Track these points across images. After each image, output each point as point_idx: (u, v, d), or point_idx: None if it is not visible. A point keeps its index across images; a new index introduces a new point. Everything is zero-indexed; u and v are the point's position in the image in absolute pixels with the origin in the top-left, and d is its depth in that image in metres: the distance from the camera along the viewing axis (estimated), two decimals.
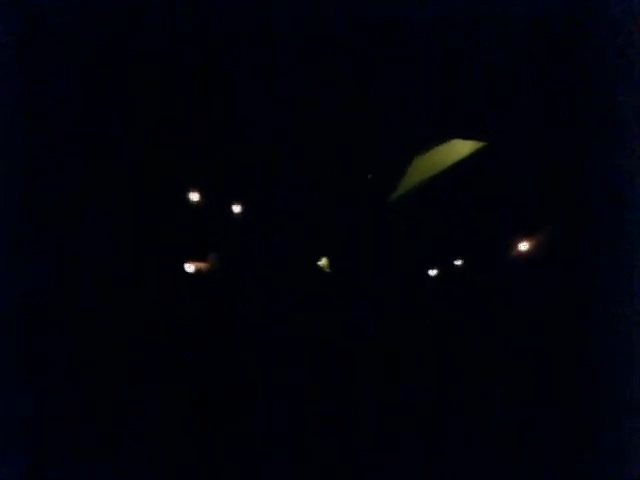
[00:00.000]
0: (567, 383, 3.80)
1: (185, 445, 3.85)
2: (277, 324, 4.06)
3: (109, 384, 3.86)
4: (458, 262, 4.17)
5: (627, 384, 3.58)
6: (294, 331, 4.04)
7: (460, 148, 4.11)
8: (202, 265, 4.16)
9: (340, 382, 3.98)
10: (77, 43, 3.91)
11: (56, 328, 3.83)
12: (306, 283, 4.16)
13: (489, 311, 4.09)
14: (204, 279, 4.17)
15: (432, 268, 4.18)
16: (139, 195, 4.07)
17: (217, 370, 4.04)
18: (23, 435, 3.62)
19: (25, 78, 3.81)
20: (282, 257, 4.15)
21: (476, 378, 3.98)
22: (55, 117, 3.93)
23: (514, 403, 3.89)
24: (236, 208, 4.24)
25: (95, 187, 4.00)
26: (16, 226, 3.76)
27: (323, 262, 4.18)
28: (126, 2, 3.89)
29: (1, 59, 3.70)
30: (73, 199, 3.96)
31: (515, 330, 4.07)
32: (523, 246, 4.06)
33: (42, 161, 3.89)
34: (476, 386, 3.97)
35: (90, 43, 3.93)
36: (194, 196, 4.20)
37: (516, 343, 4.02)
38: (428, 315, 4.13)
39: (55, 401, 3.75)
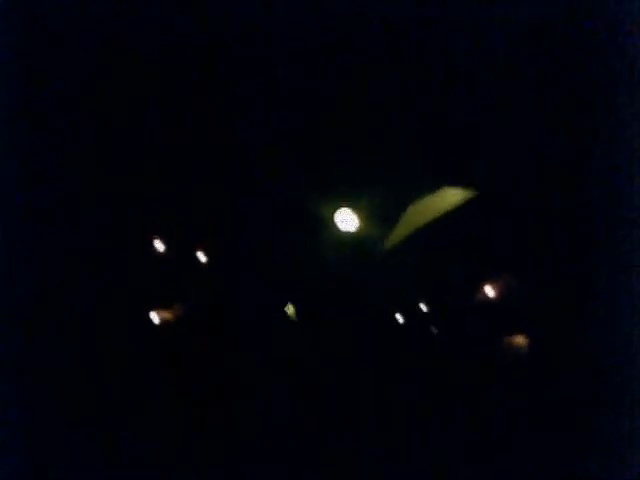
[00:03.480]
0: (567, 384, 3.81)
1: (184, 445, 3.86)
2: (247, 369, 4.05)
3: (108, 385, 3.87)
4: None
5: (627, 384, 3.58)
6: (264, 374, 4.03)
7: (452, 196, 4.10)
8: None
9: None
10: (77, 43, 3.92)
11: (56, 329, 3.84)
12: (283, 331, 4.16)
13: (489, 311, 4.09)
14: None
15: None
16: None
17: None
18: (23, 435, 3.62)
19: (25, 78, 3.81)
20: (259, 303, 4.14)
21: (477, 379, 3.98)
22: (54, 117, 3.94)
23: (515, 404, 3.90)
24: (204, 257, 4.23)
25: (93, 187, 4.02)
26: None
27: (290, 310, 4.20)
28: (126, 2, 3.89)
29: (1, 59, 3.70)
30: (70, 203, 3.98)
31: (516, 330, 4.08)
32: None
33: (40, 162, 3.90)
34: (477, 387, 3.97)
35: (90, 43, 3.94)
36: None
37: (517, 343, 4.03)
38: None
39: (55, 402, 3.76)
